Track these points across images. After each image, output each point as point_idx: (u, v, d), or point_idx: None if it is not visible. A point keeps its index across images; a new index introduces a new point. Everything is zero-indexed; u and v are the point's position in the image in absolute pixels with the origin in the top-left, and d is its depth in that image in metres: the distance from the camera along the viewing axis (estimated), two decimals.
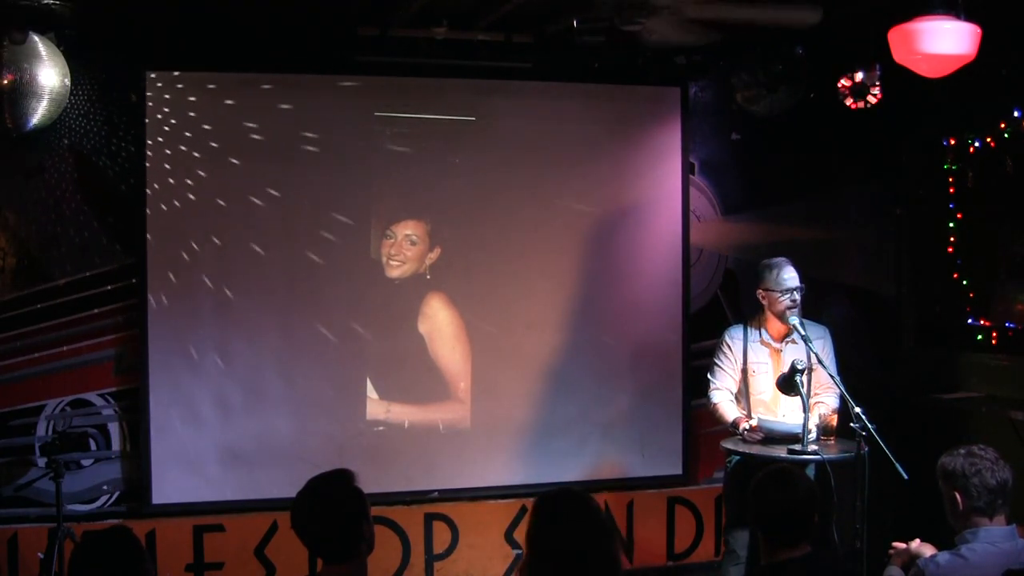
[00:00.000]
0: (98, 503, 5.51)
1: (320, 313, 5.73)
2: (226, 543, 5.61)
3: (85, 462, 5.49)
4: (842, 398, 4.81)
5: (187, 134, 5.54)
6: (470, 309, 5.97)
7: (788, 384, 4.92)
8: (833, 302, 6.30)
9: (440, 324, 5.96)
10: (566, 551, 2.75)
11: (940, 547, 3.52)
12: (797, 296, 5.10)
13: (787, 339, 5.21)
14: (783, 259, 5.17)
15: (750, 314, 5.41)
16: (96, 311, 5.50)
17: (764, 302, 5.20)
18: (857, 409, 4.52)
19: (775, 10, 5.08)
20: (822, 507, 3.38)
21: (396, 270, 5.88)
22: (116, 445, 5.54)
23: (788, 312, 5.11)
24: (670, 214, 6.22)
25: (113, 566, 2.82)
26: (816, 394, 5.17)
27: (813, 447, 4.81)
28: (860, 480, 4.51)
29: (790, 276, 5.10)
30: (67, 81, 5.22)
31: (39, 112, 5.11)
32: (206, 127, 5.57)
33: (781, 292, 5.10)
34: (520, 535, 5.45)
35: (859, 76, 5.58)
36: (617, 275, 6.16)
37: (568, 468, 6.05)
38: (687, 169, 6.25)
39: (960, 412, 5.83)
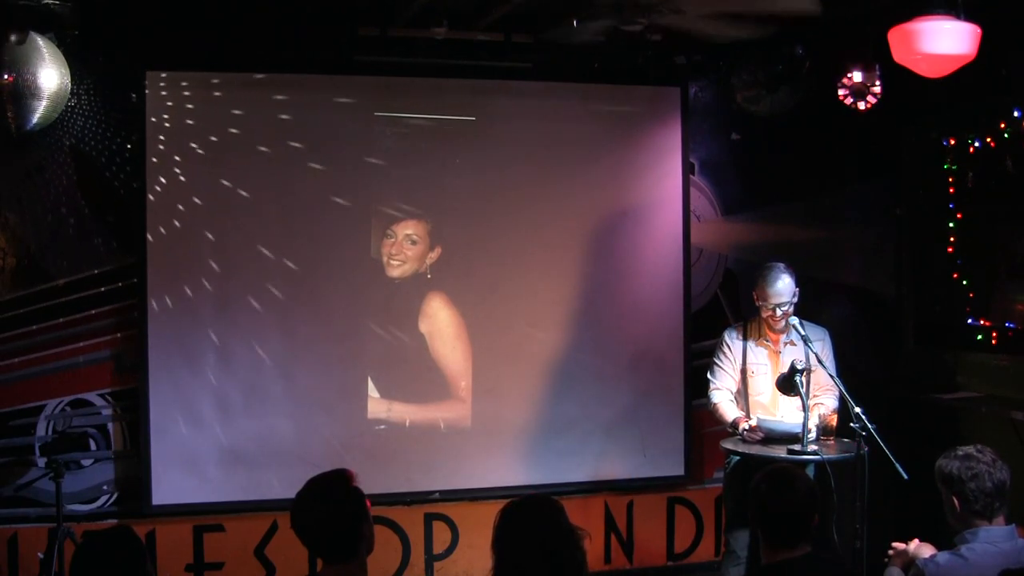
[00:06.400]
0: (98, 503, 5.51)
1: (321, 312, 5.72)
2: (226, 543, 5.62)
3: (85, 462, 5.49)
4: (842, 398, 4.80)
5: (187, 134, 5.54)
6: (471, 308, 5.97)
7: (787, 384, 4.92)
8: (833, 302, 6.30)
9: (441, 323, 5.96)
10: (532, 557, 2.78)
11: (940, 547, 3.52)
12: (782, 310, 5.07)
13: (786, 339, 5.21)
14: (778, 269, 5.12)
15: (750, 314, 5.41)
16: (96, 311, 5.50)
17: (757, 305, 5.21)
18: (857, 409, 4.51)
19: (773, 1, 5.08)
20: (822, 507, 3.38)
21: (397, 270, 5.88)
22: (116, 445, 5.54)
23: (772, 321, 5.11)
24: (670, 214, 6.22)
25: (115, 566, 2.82)
26: (815, 395, 5.16)
27: (813, 447, 4.81)
28: (860, 480, 4.50)
29: (776, 291, 5.07)
30: (67, 81, 5.22)
31: (39, 112, 5.10)
32: (206, 127, 5.57)
33: (766, 304, 5.10)
34: None
35: (859, 76, 5.58)
36: (617, 275, 6.15)
37: (569, 468, 6.06)
38: (687, 169, 6.25)
39: (960, 412, 5.83)
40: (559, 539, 2.84)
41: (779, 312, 5.08)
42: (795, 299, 5.11)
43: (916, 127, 6.40)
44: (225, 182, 5.60)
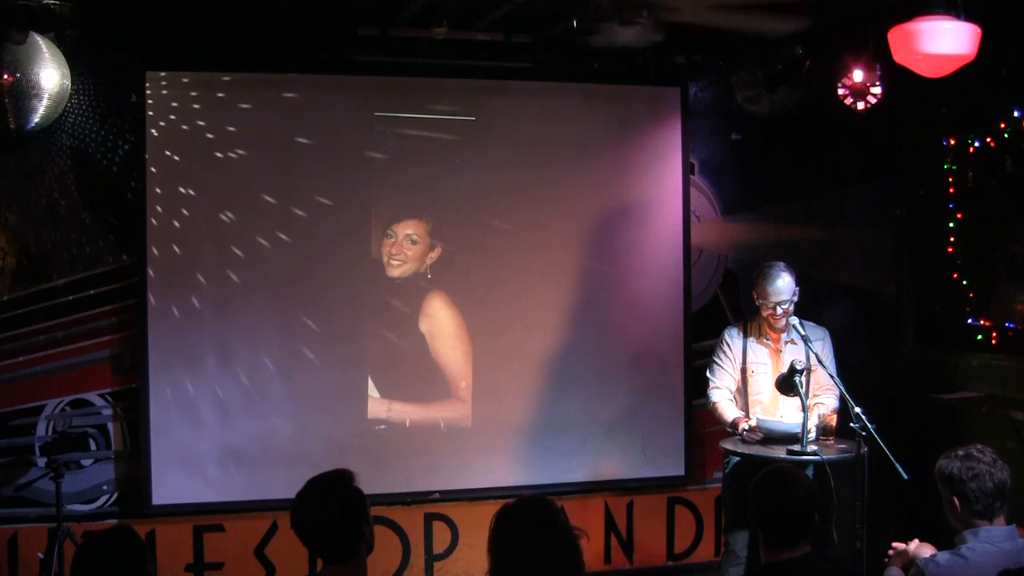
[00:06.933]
0: (98, 503, 5.51)
1: (321, 312, 5.72)
2: (226, 543, 5.62)
3: (85, 462, 5.49)
4: (842, 398, 4.80)
5: (187, 134, 5.54)
6: (471, 308, 5.97)
7: (787, 384, 4.92)
8: (833, 302, 6.31)
9: (441, 323, 5.96)
10: (528, 559, 2.78)
11: (940, 547, 3.52)
12: (782, 309, 5.07)
13: (786, 339, 5.20)
14: (778, 268, 5.11)
15: (750, 314, 5.41)
16: (96, 311, 5.50)
17: (757, 304, 5.21)
18: (857, 409, 4.51)
19: (761, 20, 5.10)
20: (822, 507, 3.38)
21: (397, 269, 5.88)
22: (116, 445, 5.54)
23: (772, 319, 5.11)
24: (670, 214, 6.22)
25: (115, 566, 2.82)
26: (815, 395, 5.16)
27: (812, 447, 4.80)
28: (860, 480, 4.50)
29: (776, 289, 5.06)
30: (67, 81, 5.23)
31: (40, 112, 5.11)
32: (206, 127, 5.57)
33: (766, 303, 5.10)
34: None
35: (859, 76, 5.58)
36: (617, 275, 6.15)
37: (569, 468, 6.06)
38: (687, 169, 6.25)
39: (960, 412, 5.83)
40: (555, 540, 2.84)
41: (780, 311, 5.07)
42: (795, 298, 5.11)
43: (916, 127, 6.40)
44: (225, 182, 5.61)
